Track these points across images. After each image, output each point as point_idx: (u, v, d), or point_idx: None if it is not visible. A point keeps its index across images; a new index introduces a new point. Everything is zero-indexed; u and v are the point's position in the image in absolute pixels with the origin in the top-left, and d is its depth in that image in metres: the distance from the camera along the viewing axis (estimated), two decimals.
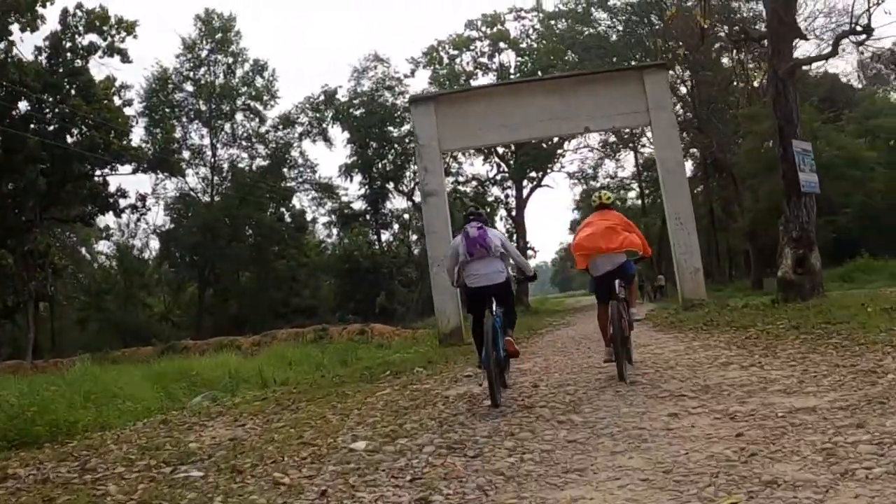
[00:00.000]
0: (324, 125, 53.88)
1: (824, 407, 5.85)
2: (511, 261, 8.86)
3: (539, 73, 52.44)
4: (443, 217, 20.10)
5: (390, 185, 56.77)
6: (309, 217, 63.52)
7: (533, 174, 53.64)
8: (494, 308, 8.24)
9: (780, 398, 6.47)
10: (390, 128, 54.46)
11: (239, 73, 56.41)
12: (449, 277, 9.08)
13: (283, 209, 62.06)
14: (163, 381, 16.95)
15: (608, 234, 9.04)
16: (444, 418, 7.44)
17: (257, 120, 55.11)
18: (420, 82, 59.06)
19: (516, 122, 20.41)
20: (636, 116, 20.41)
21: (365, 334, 37.62)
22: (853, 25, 16.26)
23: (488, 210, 52.55)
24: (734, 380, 7.66)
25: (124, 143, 48.56)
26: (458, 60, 54.28)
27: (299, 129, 54.34)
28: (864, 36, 16.21)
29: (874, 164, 30.32)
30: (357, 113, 55.69)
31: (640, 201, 56.51)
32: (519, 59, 53.81)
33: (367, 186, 57.21)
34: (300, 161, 55.65)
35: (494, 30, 54.24)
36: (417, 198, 57.24)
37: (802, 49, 31.13)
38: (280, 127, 54.46)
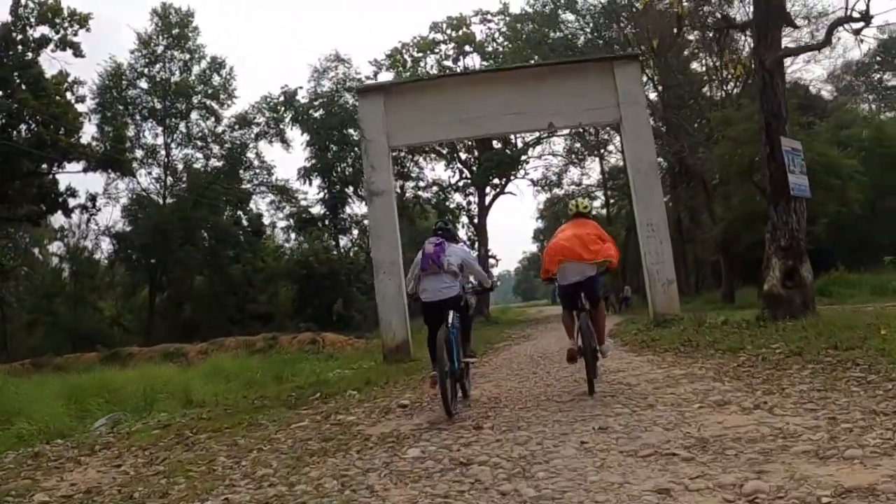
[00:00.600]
0: (281, 126, 51.42)
1: (887, 488, 3.79)
2: (471, 276, 9.20)
3: None
4: (390, 219, 17.97)
5: (350, 190, 54.49)
6: (267, 221, 61.26)
7: (496, 181, 51.71)
8: (451, 320, 8.25)
9: (814, 466, 4.36)
10: (350, 130, 52.20)
11: (196, 70, 53.88)
12: (407, 289, 9.32)
13: (240, 212, 59.72)
14: (80, 396, 15.22)
15: (587, 241, 8.80)
16: (352, 476, 5.46)
17: (213, 119, 52.51)
18: None
19: (475, 116, 18.26)
20: (606, 112, 18.30)
21: (316, 344, 35.65)
22: (849, 12, 14.35)
23: (450, 217, 50.67)
24: (739, 431, 5.53)
25: (73, 140, 46.28)
26: (422, 63, 52.24)
27: (256, 129, 51.69)
28: (861, 24, 14.31)
29: (854, 172, 28.69)
30: (317, 115, 53.47)
31: (605, 210, 54.76)
32: (484, 62, 51.88)
33: (326, 190, 54.93)
34: (256, 163, 52.99)
35: (460, 32, 52.28)
36: None
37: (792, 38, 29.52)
38: (236, 127, 51.86)
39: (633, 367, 10.61)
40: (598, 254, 8.77)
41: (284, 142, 51.36)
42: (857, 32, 14.58)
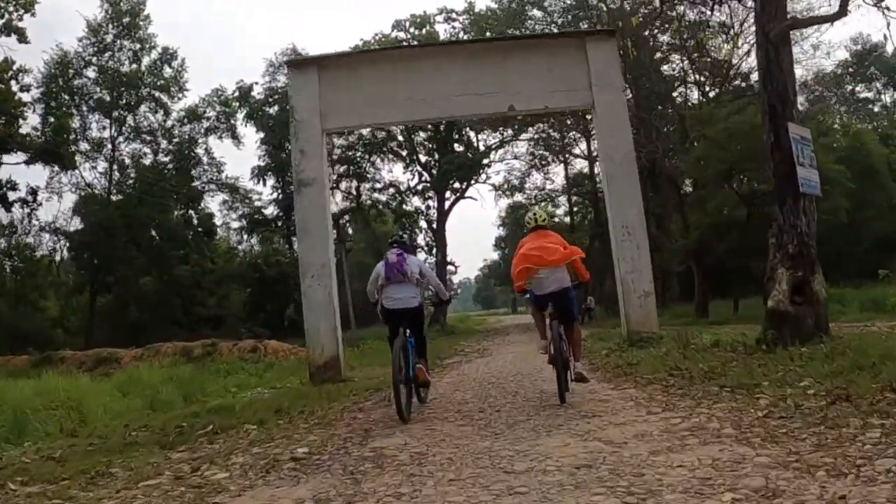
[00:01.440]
0: (232, 121, 48.10)
1: None
2: (429, 286, 9.57)
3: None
4: (321, 214, 15.10)
5: None
6: (220, 221, 58.03)
7: (456, 185, 49.02)
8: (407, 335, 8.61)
9: None
10: None
11: (146, 61, 50.30)
12: (370, 297, 9.38)
13: (191, 212, 56.49)
14: None
15: (550, 249, 8.64)
16: None
17: (163, 113, 48.82)
18: None
19: (426, 96, 15.42)
20: (576, 95, 15.44)
21: (257, 352, 32.88)
22: None
23: (405, 224, 48.00)
24: None
25: (11, 130, 43.03)
26: None
27: (206, 123, 48.15)
28: None
29: (843, 178, 26.30)
30: (272, 111, 50.38)
31: (568, 218, 52.20)
32: None
33: (280, 191, 51.80)
34: (206, 160, 49.43)
35: (423, 31, 49.57)
36: (334, 206, 52.45)
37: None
38: (186, 121, 48.25)
39: (611, 409, 7.67)
40: (564, 256, 8.67)
41: (235, 137, 48.05)
42: (877, 3, 11.96)
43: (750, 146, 23.67)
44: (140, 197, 47.43)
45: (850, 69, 49.55)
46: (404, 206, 49.46)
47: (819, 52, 43.51)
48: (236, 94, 50.29)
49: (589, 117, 40.47)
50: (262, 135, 50.56)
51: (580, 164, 48.71)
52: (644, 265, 14.67)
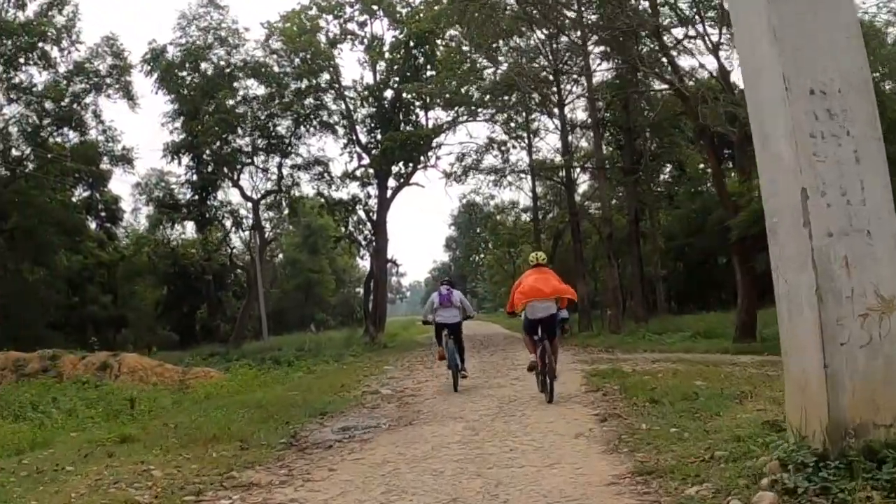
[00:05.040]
0: (126, 77, 36.79)
1: None
2: (465, 310, 12.99)
3: (416, 46, 38.18)
4: None
5: (227, 172, 40.56)
6: (130, 207, 46.94)
7: (401, 168, 38.71)
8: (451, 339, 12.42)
9: None
10: (229, 100, 38.30)
11: (32, 7, 38.28)
12: (423, 317, 13.70)
13: (94, 193, 45.42)
14: None
15: (546, 285, 10.48)
16: None
17: (49, 69, 37.01)
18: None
19: None
20: None
21: (108, 370, 22.57)
22: None
23: (339, 212, 37.70)
24: None
25: None
26: (322, 26, 38.80)
27: (96, 80, 36.52)
28: None
29: None
30: (188, 78, 39.55)
31: (529, 216, 42.06)
32: (394, 30, 38.93)
33: (194, 171, 40.86)
34: (97, 126, 37.77)
35: None
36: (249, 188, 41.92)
37: None
38: (74, 78, 36.75)
39: None
40: (560, 292, 10.58)
41: (130, 98, 36.68)
42: None
43: None
44: (14, 170, 36.24)
45: None
46: (333, 188, 38.99)
47: None
48: (148, 55, 39.11)
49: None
50: (175, 106, 39.50)
51: (546, 149, 38.49)
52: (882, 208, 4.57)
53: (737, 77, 18.64)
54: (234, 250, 48.83)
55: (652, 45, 22.48)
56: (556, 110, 32.00)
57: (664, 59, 20.96)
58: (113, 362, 22.22)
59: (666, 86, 21.82)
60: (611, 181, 30.93)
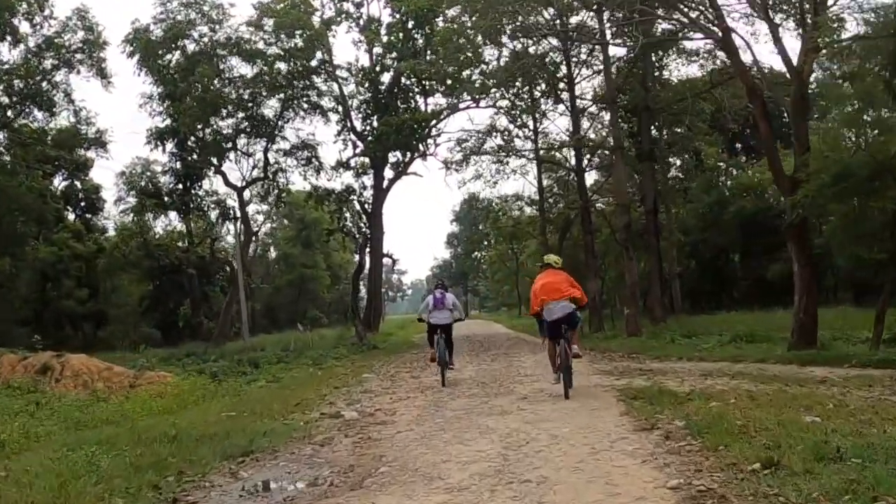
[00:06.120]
0: (99, 54, 33.17)
1: None
2: (456, 311, 13.89)
3: (415, 27, 34.88)
4: None
5: (210, 159, 37.10)
6: (114, 196, 43.60)
7: (398, 156, 35.37)
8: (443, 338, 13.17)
9: None
10: (216, 82, 34.88)
11: None
12: (419, 315, 14.35)
13: (75, 181, 42.15)
14: None
15: (559, 286, 10.65)
16: None
17: (17, 44, 33.55)
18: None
19: None
20: None
21: (48, 374, 19.17)
22: None
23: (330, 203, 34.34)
24: None
25: None
26: (316, 4, 35.53)
27: (67, 55, 32.98)
28: None
29: None
30: (172, 59, 36.08)
31: (534, 208, 38.36)
32: (391, 9, 35.59)
33: (178, 158, 37.42)
34: (65, 104, 34.18)
35: None
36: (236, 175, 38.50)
37: None
38: (44, 54, 33.22)
39: None
40: (572, 292, 10.60)
41: (103, 76, 33.16)
42: None
43: None
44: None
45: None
46: (325, 177, 35.59)
47: None
48: (131, 35, 35.66)
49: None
50: (159, 89, 36.01)
51: (554, 132, 34.61)
52: None
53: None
54: (224, 243, 45.60)
55: None
56: (565, 92, 28.58)
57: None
58: (56, 364, 18.77)
59: (708, 39, 18.37)
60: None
